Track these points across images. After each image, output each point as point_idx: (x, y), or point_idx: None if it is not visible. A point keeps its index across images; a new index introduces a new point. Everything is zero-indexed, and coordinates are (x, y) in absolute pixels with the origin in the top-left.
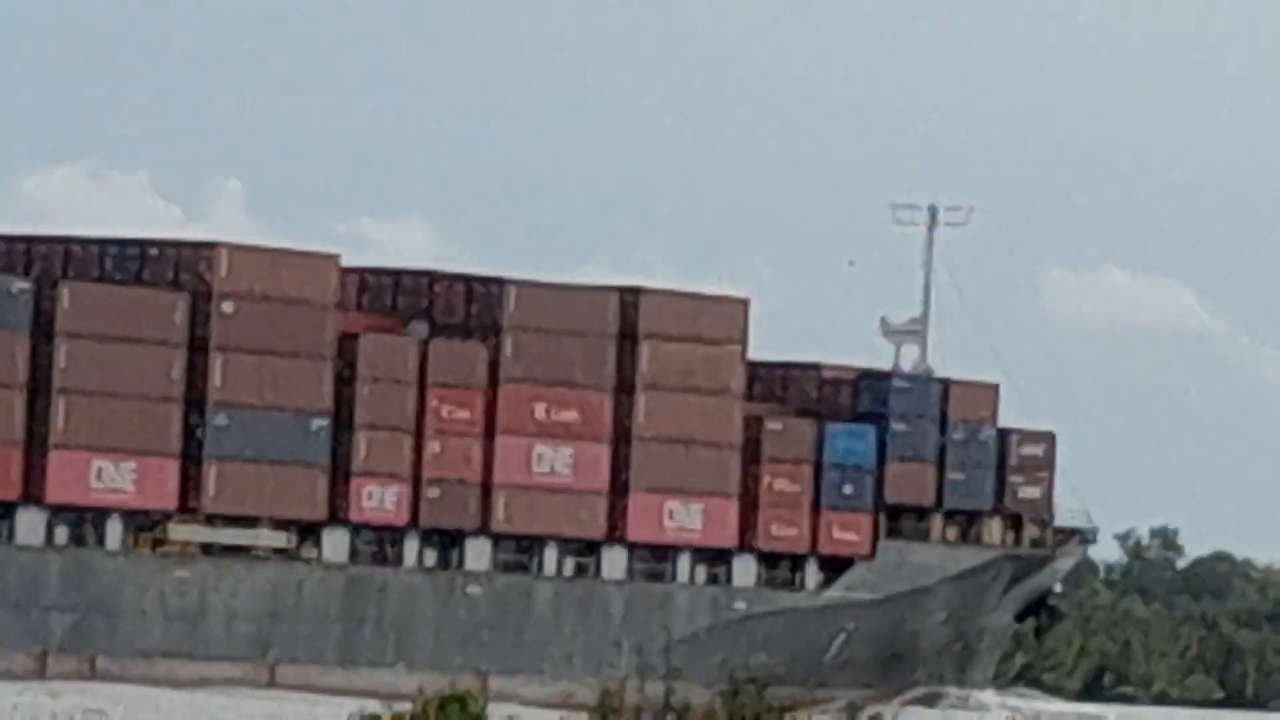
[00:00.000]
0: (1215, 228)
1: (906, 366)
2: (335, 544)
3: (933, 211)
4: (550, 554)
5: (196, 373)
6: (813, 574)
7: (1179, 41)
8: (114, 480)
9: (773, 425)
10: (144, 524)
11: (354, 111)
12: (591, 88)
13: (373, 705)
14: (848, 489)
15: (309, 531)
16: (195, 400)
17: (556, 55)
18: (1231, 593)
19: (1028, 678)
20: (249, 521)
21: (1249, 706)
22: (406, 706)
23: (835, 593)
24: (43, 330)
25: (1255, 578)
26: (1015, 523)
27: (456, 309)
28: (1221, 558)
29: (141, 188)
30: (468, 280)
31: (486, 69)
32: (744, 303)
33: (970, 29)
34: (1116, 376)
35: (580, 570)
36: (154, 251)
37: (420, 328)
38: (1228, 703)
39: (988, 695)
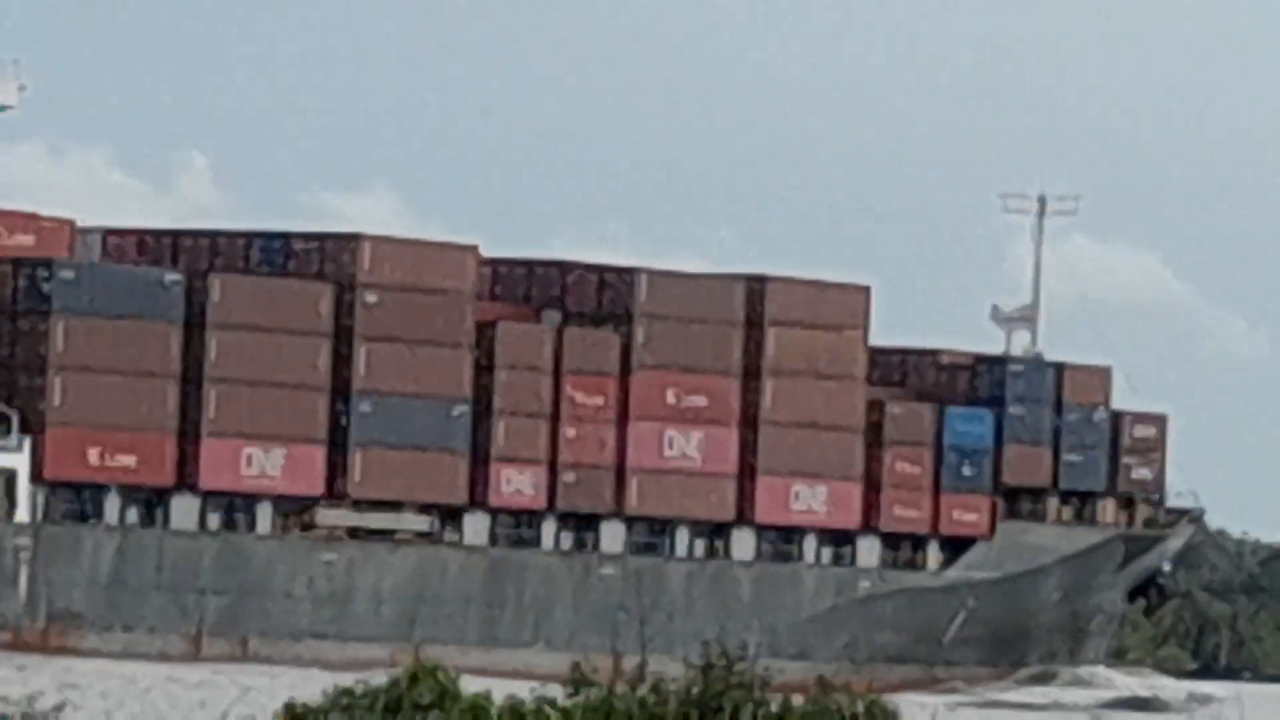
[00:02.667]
0: (1184, 195)
1: (1017, 352)
2: (476, 527)
3: (1041, 200)
4: (682, 536)
5: (341, 362)
6: (934, 554)
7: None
8: (264, 467)
9: (894, 409)
10: (292, 509)
11: (318, 83)
12: (576, 59)
13: (379, 678)
14: (967, 471)
15: (450, 515)
16: (340, 388)
17: (537, 19)
18: (1205, 564)
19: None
20: (393, 506)
21: (1221, 678)
22: (382, 680)
23: (956, 573)
24: (194, 321)
25: (1228, 549)
26: (1128, 503)
27: (588, 298)
28: None
29: (105, 163)
30: (599, 270)
31: (454, 36)
32: (866, 290)
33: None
34: (1084, 348)
35: (710, 552)
36: (298, 244)
37: (553, 316)
38: (1200, 674)
39: (1099, 673)
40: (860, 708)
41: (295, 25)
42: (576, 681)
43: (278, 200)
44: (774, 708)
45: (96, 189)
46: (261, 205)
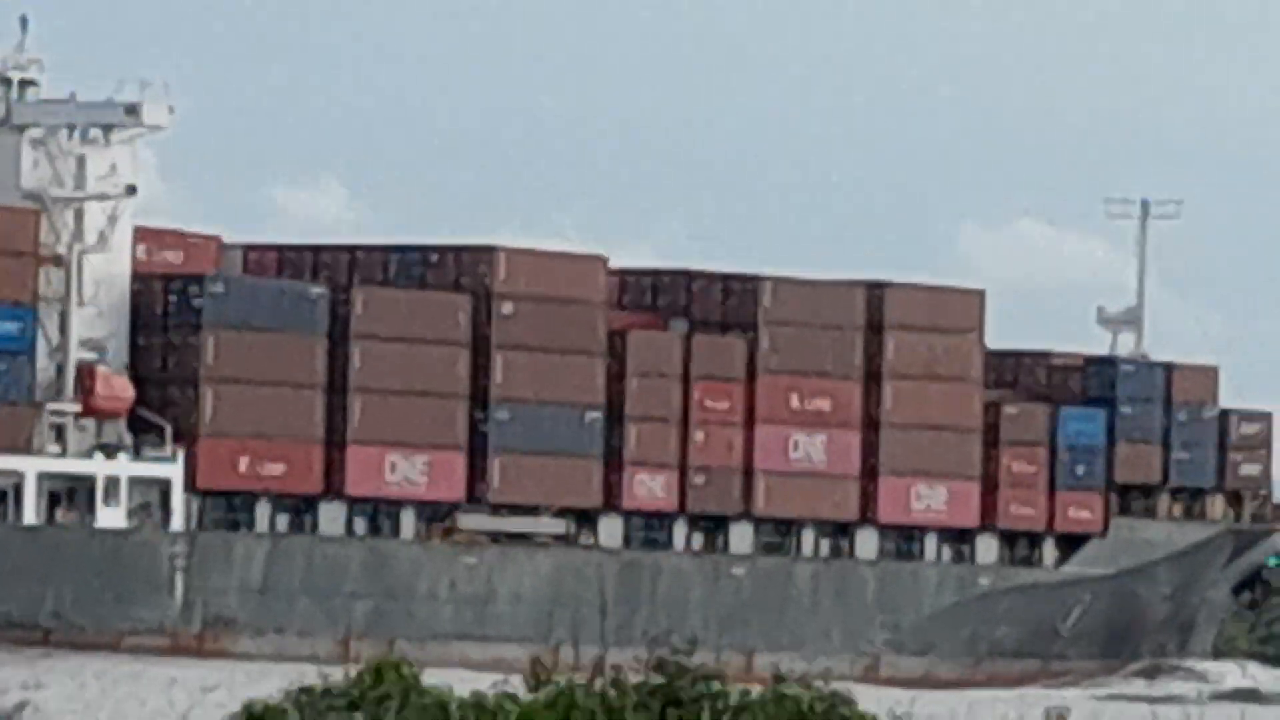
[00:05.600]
0: (1133, 178)
1: (1123, 353)
2: (610, 530)
3: (1145, 205)
4: (808, 536)
5: (479, 370)
6: (1050, 551)
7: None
8: (407, 473)
9: (1010, 410)
10: (434, 514)
11: (262, 77)
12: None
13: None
14: (1080, 469)
15: (586, 518)
16: (479, 396)
17: (482, 6)
18: None
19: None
20: (530, 510)
21: None
22: (340, 677)
23: (1071, 568)
24: (338, 333)
25: None
26: (1236, 499)
27: (713, 305)
28: None
29: None
30: (724, 278)
31: (397, 27)
32: (981, 294)
33: None
34: (1036, 334)
35: (835, 551)
36: (435, 256)
37: (680, 324)
38: None
39: (1207, 666)
40: (817, 700)
41: (240, 20)
42: (537, 676)
43: (227, 196)
44: (733, 700)
45: None
46: (210, 202)
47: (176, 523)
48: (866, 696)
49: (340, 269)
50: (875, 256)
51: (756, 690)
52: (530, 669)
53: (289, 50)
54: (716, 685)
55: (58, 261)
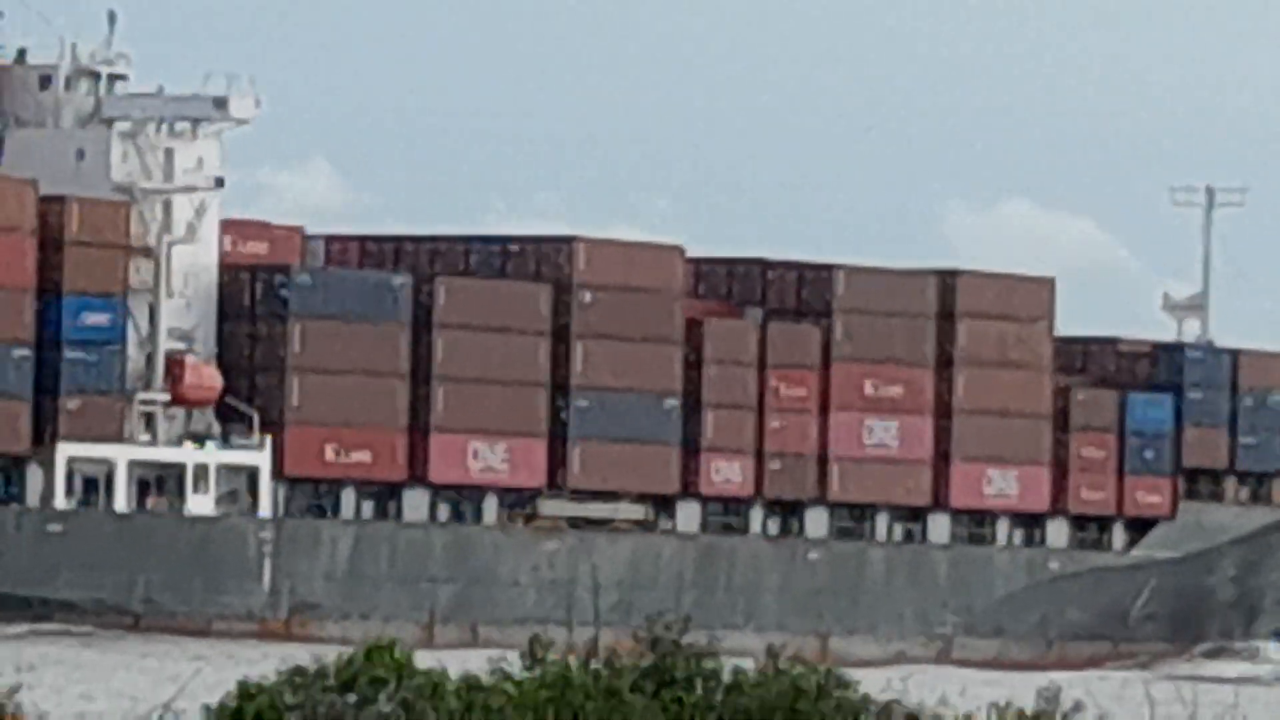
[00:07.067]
0: (1122, 160)
1: (1188, 339)
2: (688, 515)
3: (1210, 193)
4: (881, 521)
5: (559, 359)
6: (1119, 535)
7: None
8: (489, 460)
9: (1079, 396)
10: (516, 500)
11: (252, 58)
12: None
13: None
14: (1149, 454)
15: (663, 504)
16: (559, 385)
17: None
18: None
19: None
20: (610, 496)
21: None
22: (333, 658)
23: (1140, 552)
24: (421, 323)
25: None
26: None
27: (788, 293)
28: None
29: None
30: (798, 267)
31: (384, 10)
32: (1051, 282)
33: None
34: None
35: (908, 536)
36: (515, 247)
37: (755, 312)
38: None
39: (1272, 647)
40: (814, 678)
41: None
42: (534, 655)
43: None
44: (725, 678)
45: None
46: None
47: (264, 509)
48: (944, 677)
49: (422, 259)
50: (863, 239)
51: (750, 668)
52: (528, 647)
53: (277, 32)
54: (710, 664)
55: (147, 253)
